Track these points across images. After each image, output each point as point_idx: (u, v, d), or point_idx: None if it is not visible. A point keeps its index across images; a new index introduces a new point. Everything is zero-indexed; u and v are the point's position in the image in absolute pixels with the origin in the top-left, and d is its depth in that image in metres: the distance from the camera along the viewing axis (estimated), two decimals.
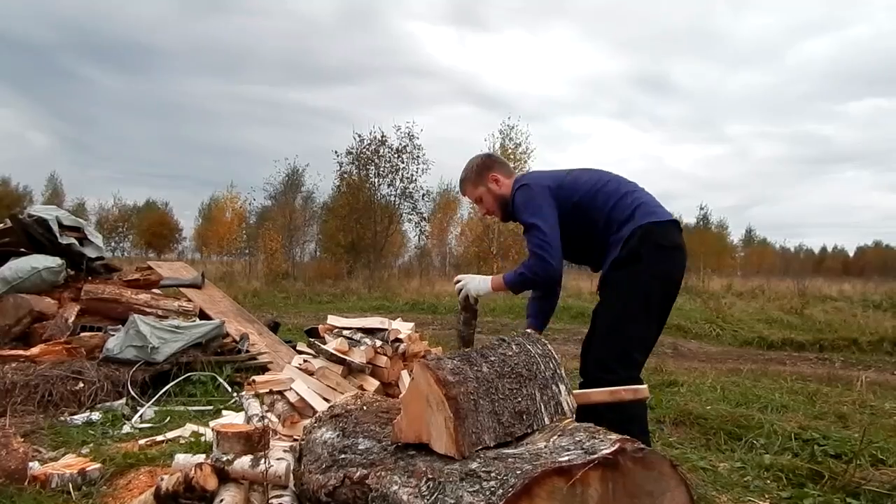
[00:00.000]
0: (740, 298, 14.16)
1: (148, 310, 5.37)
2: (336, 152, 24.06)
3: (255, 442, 2.38)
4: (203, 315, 5.74)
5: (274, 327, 6.52)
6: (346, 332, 4.14)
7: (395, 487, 1.72)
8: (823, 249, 64.78)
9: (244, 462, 2.29)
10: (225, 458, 2.31)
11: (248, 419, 3.34)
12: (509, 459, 1.61)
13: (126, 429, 3.78)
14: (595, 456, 1.50)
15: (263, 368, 5.04)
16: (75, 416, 3.96)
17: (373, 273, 22.05)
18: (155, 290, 6.01)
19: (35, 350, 4.66)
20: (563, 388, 1.99)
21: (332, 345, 3.95)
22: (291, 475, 2.29)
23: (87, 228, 6.20)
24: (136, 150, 78.63)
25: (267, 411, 3.52)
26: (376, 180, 23.76)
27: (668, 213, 2.62)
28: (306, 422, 2.69)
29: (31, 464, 2.75)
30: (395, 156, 23.33)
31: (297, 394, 3.65)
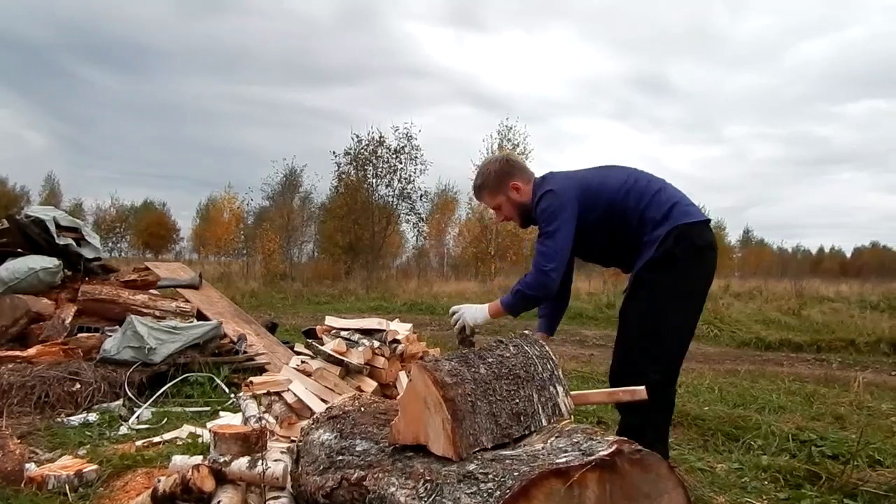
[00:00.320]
0: (738, 299, 14.17)
1: (145, 310, 5.36)
2: (334, 153, 24.15)
3: (252, 443, 2.38)
4: (200, 316, 5.74)
5: (271, 328, 6.52)
6: (343, 333, 4.13)
7: (393, 489, 1.72)
8: (821, 250, 64.95)
9: (241, 463, 2.28)
10: (222, 460, 2.30)
11: (246, 420, 3.34)
12: (507, 461, 1.61)
13: (123, 430, 3.78)
14: (592, 457, 1.50)
15: (261, 369, 5.03)
16: (72, 418, 3.95)
17: (371, 274, 22.06)
18: (152, 291, 6.00)
19: (32, 351, 4.65)
20: (560, 389, 1.99)
21: (330, 346, 3.94)
22: (289, 477, 2.29)
23: (84, 229, 6.19)
24: (133, 151, 78.67)
25: (264, 412, 3.51)
26: (374, 181, 23.81)
27: (700, 212, 2.59)
28: (304, 423, 2.68)
29: (27, 465, 2.75)
30: (394, 156, 23.38)
31: (295, 395, 3.64)
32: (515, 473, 1.50)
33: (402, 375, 4.11)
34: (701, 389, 5.18)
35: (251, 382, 3.83)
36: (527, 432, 1.83)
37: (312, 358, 3.96)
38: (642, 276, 2.56)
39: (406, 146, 23.38)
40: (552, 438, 1.75)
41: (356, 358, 3.91)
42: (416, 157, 23.51)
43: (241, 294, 14.90)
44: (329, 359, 3.84)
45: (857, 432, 3.61)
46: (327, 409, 2.45)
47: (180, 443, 3.39)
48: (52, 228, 5.72)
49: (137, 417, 4.00)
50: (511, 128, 25.57)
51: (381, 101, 66.72)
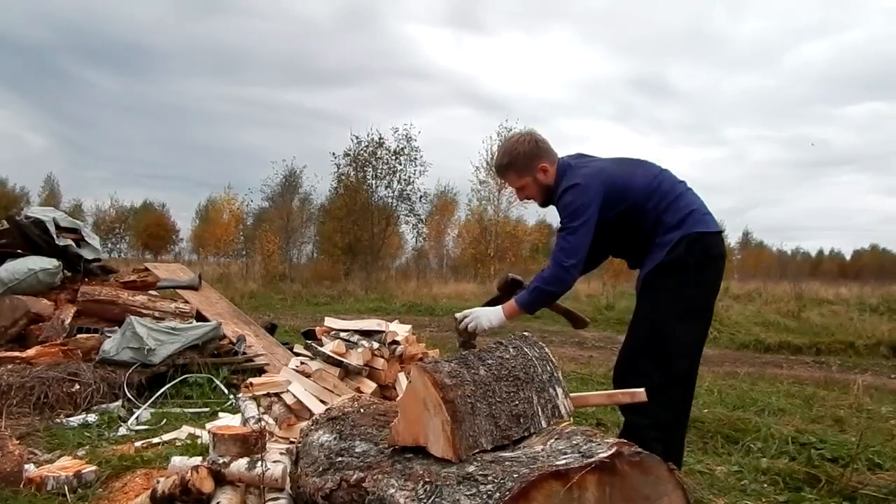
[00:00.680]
0: (737, 301, 14.16)
1: (144, 311, 5.35)
2: (334, 154, 24.12)
3: (251, 444, 2.38)
4: (200, 317, 5.73)
5: (271, 329, 6.51)
6: (343, 334, 4.13)
7: (392, 491, 1.72)
8: (820, 252, 64.87)
9: (241, 464, 2.28)
10: (221, 461, 2.30)
11: (245, 421, 3.33)
12: (506, 463, 1.61)
13: (122, 431, 3.77)
14: (592, 459, 1.50)
15: (260, 370, 5.03)
16: (71, 419, 3.94)
17: (370, 275, 22.05)
18: (152, 292, 5.99)
19: (31, 352, 4.64)
20: (560, 391, 1.99)
21: (329, 347, 3.94)
22: (288, 478, 2.29)
23: (83, 230, 6.19)
24: (133, 152, 78.46)
25: (263, 413, 3.51)
26: (374, 182, 23.82)
27: (716, 222, 2.61)
28: (303, 424, 2.68)
29: (26, 466, 2.75)
30: (393, 157, 23.38)
31: (294, 396, 3.64)
32: (515, 475, 1.50)
33: (402, 377, 4.11)
34: (700, 391, 5.18)
35: (250, 383, 3.83)
36: (526, 434, 1.83)
37: (311, 359, 3.96)
38: (651, 280, 2.57)
39: (405, 147, 23.40)
40: (552, 440, 1.74)
41: (355, 359, 3.90)
42: (415, 158, 23.54)
43: (240, 295, 14.88)
44: (328, 360, 3.83)
45: (856, 435, 3.61)
46: (326, 410, 2.44)
47: (179, 444, 3.39)
48: (52, 229, 5.72)
49: (136, 418, 3.99)
50: (511, 129, 25.57)
51: (381, 103, 66.70)
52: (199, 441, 3.32)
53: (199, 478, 2.21)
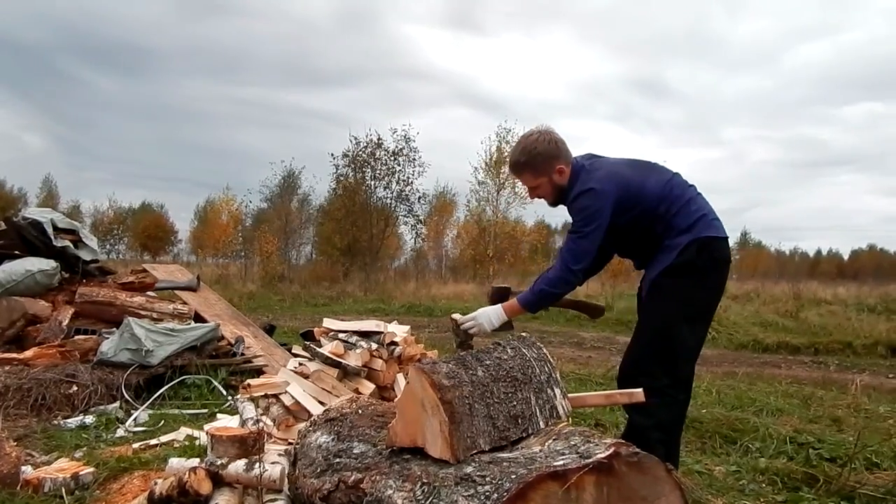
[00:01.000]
0: (735, 301, 14.17)
1: (143, 312, 5.35)
2: (332, 155, 24.14)
3: (249, 446, 2.38)
4: (198, 318, 5.73)
5: (269, 330, 6.51)
6: (341, 335, 4.13)
7: (390, 492, 1.72)
8: (818, 253, 64.96)
9: (238, 466, 2.28)
10: (219, 462, 2.30)
11: (243, 423, 3.33)
12: (504, 463, 1.61)
13: (120, 432, 3.76)
14: (590, 460, 1.50)
15: (258, 371, 5.03)
16: (69, 420, 3.94)
17: (369, 276, 22.05)
18: (150, 293, 5.98)
19: (29, 353, 4.64)
20: (558, 391, 1.99)
21: (328, 348, 3.94)
22: (286, 479, 2.28)
23: (81, 231, 6.18)
24: (131, 152, 78.40)
25: (262, 415, 3.50)
26: (372, 183, 23.78)
27: (724, 228, 2.63)
28: (301, 425, 2.68)
29: (23, 468, 2.74)
30: (392, 158, 23.35)
31: (293, 397, 3.64)
32: (513, 476, 1.50)
33: (400, 378, 4.10)
34: (699, 392, 5.18)
35: (249, 385, 3.82)
36: (524, 435, 1.83)
37: (310, 360, 3.96)
38: (660, 282, 2.59)
39: (404, 148, 23.38)
40: (550, 441, 1.75)
41: (354, 360, 3.90)
42: (414, 159, 23.51)
43: (238, 296, 14.87)
44: (327, 361, 3.83)
45: (854, 435, 3.61)
46: (325, 411, 2.44)
47: (177, 445, 3.38)
48: (50, 230, 5.71)
49: (134, 420, 3.99)
50: (510, 130, 25.59)
51: (380, 103, 66.73)
52: (197, 442, 3.31)
53: (197, 479, 2.21)
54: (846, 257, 62.62)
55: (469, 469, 1.63)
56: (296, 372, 3.85)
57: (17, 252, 5.54)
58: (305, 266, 28.19)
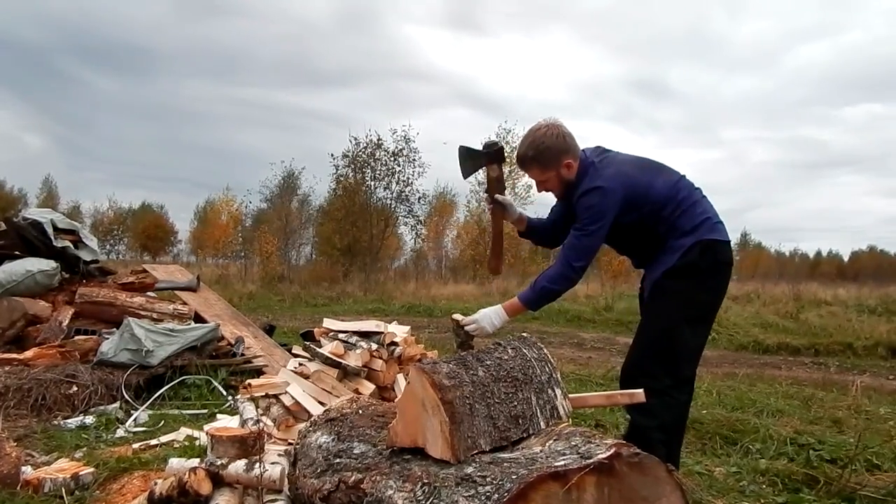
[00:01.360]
0: (735, 302, 14.17)
1: (143, 313, 5.35)
2: (332, 155, 24.15)
3: (249, 446, 2.37)
4: (198, 318, 5.73)
5: (269, 330, 6.50)
6: (341, 336, 4.13)
7: (391, 492, 1.72)
8: (818, 254, 64.90)
9: (239, 466, 2.28)
10: (219, 463, 2.30)
11: (243, 423, 3.33)
12: (505, 464, 1.61)
13: (120, 433, 3.76)
14: (591, 461, 1.50)
15: (258, 372, 5.02)
16: (69, 420, 3.93)
17: (368, 276, 22.04)
18: (150, 294, 5.99)
19: (29, 353, 4.63)
20: (558, 391, 1.99)
21: (328, 348, 3.94)
22: (286, 479, 2.28)
23: (81, 231, 6.18)
24: (131, 153, 78.31)
25: (262, 415, 3.50)
26: (372, 183, 23.79)
27: (727, 232, 2.64)
28: (301, 426, 2.68)
29: (23, 468, 2.74)
30: (392, 159, 23.35)
31: (293, 397, 3.64)
32: (513, 476, 1.50)
33: (400, 378, 4.10)
34: (699, 393, 5.18)
35: (249, 385, 3.82)
36: (525, 435, 1.83)
37: (310, 360, 3.96)
38: (663, 283, 2.59)
39: (404, 149, 23.38)
40: (550, 441, 1.74)
41: (354, 360, 3.90)
42: (414, 159, 23.51)
43: (238, 296, 14.88)
44: (327, 361, 3.83)
45: (855, 436, 3.61)
46: (325, 411, 2.44)
47: (177, 445, 3.38)
48: (50, 231, 5.71)
49: (134, 420, 3.98)
50: (510, 130, 25.55)
51: (380, 104, 66.70)
52: (197, 443, 3.31)
53: (197, 479, 2.21)
54: (846, 258, 62.62)
55: (470, 469, 1.62)
56: (296, 372, 3.85)
57: (17, 252, 5.54)
58: (305, 266, 28.18)
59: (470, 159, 2.79)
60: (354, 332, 4.14)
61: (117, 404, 4.26)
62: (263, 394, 3.73)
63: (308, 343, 4.21)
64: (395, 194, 23.81)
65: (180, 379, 4.65)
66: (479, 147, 2.80)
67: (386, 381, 4.05)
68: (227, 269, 24.67)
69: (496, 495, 1.48)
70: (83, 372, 4.38)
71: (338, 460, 2.03)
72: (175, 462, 2.61)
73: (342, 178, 24.22)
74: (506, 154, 2.79)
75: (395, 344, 4.19)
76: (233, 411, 4.09)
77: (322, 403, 3.53)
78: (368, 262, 23.79)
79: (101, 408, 4.19)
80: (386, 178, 23.56)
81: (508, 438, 1.80)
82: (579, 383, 5.81)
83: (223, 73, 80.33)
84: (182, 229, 49.27)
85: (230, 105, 77.27)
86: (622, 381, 2.65)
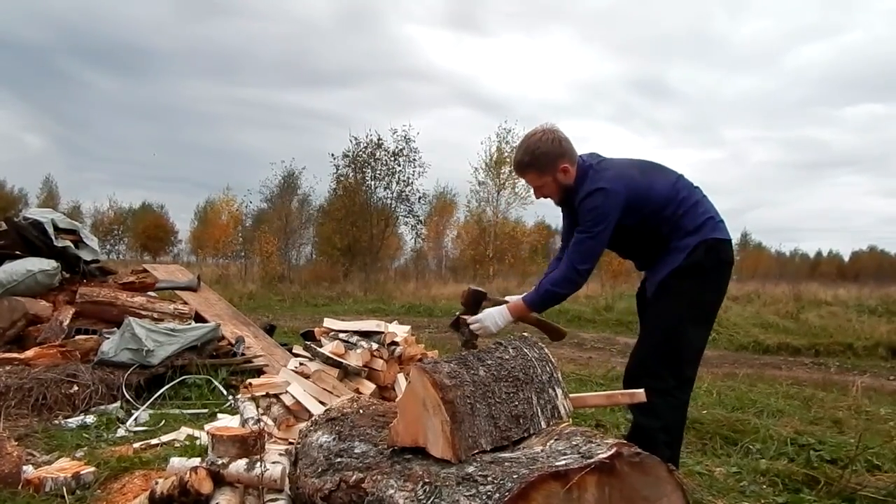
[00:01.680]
0: (736, 303, 14.16)
1: (143, 312, 5.35)
2: (332, 155, 24.13)
3: (250, 445, 2.37)
4: (198, 318, 5.73)
5: (270, 330, 6.51)
6: (342, 335, 4.13)
7: (392, 491, 1.72)
8: (819, 254, 64.85)
9: (239, 466, 2.28)
10: (220, 462, 2.30)
11: (244, 422, 3.33)
12: (506, 463, 1.61)
13: (121, 432, 3.77)
14: (592, 460, 1.50)
15: (259, 371, 5.03)
16: (69, 420, 3.94)
17: (369, 276, 22.04)
18: (150, 293, 5.99)
19: (29, 353, 4.64)
20: (559, 391, 1.99)
21: (328, 348, 3.94)
22: (287, 479, 2.28)
23: (82, 231, 6.18)
24: (132, 153, 78.23)
25: (262, 414, 3.50)
26: (372, 183, 23.80)
27: (728, 231, 2.65)
28: (302, 425, 2.68)
29: (24, 468, 2.74)
30: (392, 159, 23.37)
31: (293, 397, 3.64)
32: (514, 476, 1.50)
33: (401, 378, 4.10)
34: (699, 393, 5.18)
35: (249, 384, 3.82)
36: (526, 435, 1.83)
37: (311, 360, 3.96)
38: (668, 283, 2.58)
39: (404, 148, 23.40)
40: (551, 441, 1.74)
41: (354, 360, 3.90)
42: (414, 159, 23.53)
43: (238, 296, 14.88)
44: (327, 361, 3.83)
45: (855, 436, 3.61)
46: (325, 411, 2.44)
47: (178, 445, 3.39)
48: (50, 230, 5.71)
49: (135, 419, 3.99)
50: (510, 130, 25.62)
51: (381, 104, 66.57)
52: (197, 442, 3.31)
53: (198, 479, 2.21)
54: (847, 259, 62.56)
55: (471, 469, 1.63)
56: (296, 372, 3.85)
57: (17, 252, 5.54)
58: (305, 266, 28.19)
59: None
60: (355, 332, 4.14)
61: (118, 404, 4.26)
62: (264, 393, 3.73)
63: (308, 343, 4.20)
64: (395, 194, 23.85)
65: (181, 378, 4.65)
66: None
67: (386, 380, 4.05)
68: (228, 269, 24.66)
69: (497, 495, 1.48)
70: (84, 371, 4.38)
71: (339, 460, 2.03)
72: (176, 461, 2.61)
73: (342, 178, 24.25)
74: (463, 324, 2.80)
75: (395, 344, 4.18)
76: (233, 411, 4.10)
77: (323, 403, 3.53)
78: (368, 261, 23.79)
79: (102, 407, 4.19)
80: (386, 178, 23.61)
81: (509, 438, 1.80)
82: (580, 383, 5.81)
83: (223, 73, 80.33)
84: (182, 229, 49.33)
85: (230, 104, 77.25)
86: (626, 381, 2.65)
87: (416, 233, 26.35)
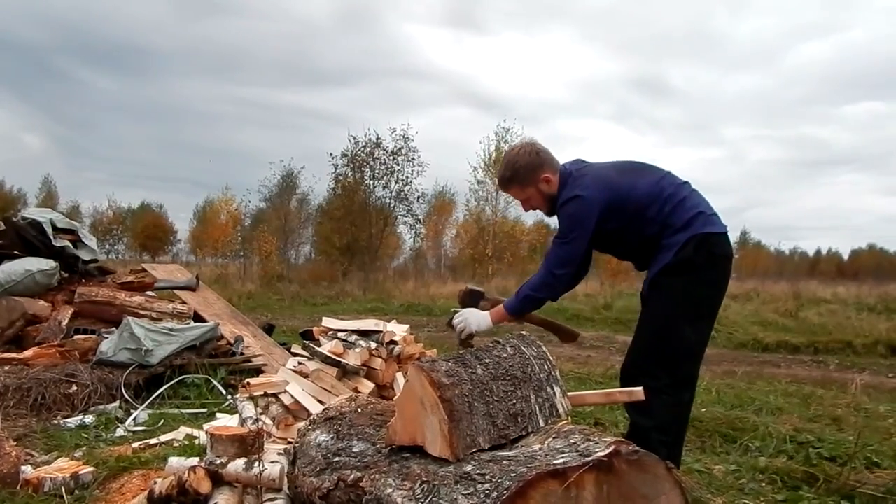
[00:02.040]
0: (735, 301, 14.17)
1: (142, 312, 5.35)
2: (331, 154, 24.07)
3: (249, 445, 2.38)
4: (197, 317, 5.72)
5: (268, 329, 6.51)
6: (340, 335, 4.13)
7: (390, 490, 1.72)
8: (818, 252, 64.88)
9: (238, 465, 2.28)
10: (219, 461, 2.30)
11: (242, 422, 3.33)
12: (504, 462, 1.61)
13: (119, 432, 3.76)
14: (590, 458, 1.50)
15: (258, 371, 5.02)
16: (68, 420, 3.93)
17: (367, 275, 22.03)
18: (149, 293, 5.99)
19: (28, 353, 4.63)
20: (557, 390, 1.99)
21: (327, 347, 3.94)
22: (285, 478, 2.28)
23: (81, 231, 6.18)
24: (130, 153, 78.08)
25: (261, 414, 3.50)
26: (371, 182, 23.76)
27: (722, 223, 2.62)
28: (300, 424, 2.68)
29: (23, 468, 2.73)
30: (391, 158, 23.33)
31: (292, 396, 3.64)
32: (512, 474, 1.50)
33: (399, 377, 4.10)
34: (698, 391, 5.14)
35: (248, 384, 3.82)
36: (524, 433, 1.83)
37: (309, 359, 3.96)
38: (659, 280, 2.59)
39: (403, 148, 23.36)
40: (549, 439, 1.74)
41: (353, 359, 3.90)
42: (413, 158, 23.49)
43: (237, 296, 14.87)
44: (326, 360, 3.83)
45: (854, 434, 3.61)
46: (324, 410, 2.44)
47: (177, 444, 3.38)
48: (49, 230, 5.70)
49: (134, 419, 3.99)
50: (509, 129, 25.58)
51: (380, 103, 66.45)
52: (196, 442, 3.31)
53: (197, 478, 2.21)
54: (846, 257, 62.60)
55: (468, 467, 1.62)
56: (295, 371, 3.85)
57: (16, 252, 5.54)
58: (304, 266, 28.19)
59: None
60: (353, 331, 4.14)
61: (117, 403, 4.26)
62: (262, 393, 3.73)
63: (307, 342, 4.21)
64: (394, 193, 23.78)
65: (180, 378, 4.65)
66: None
67: (385, 379, 4.05)
68: (227, 269, 24.67)
69: (495, 493, 1.48)
70: (82, 371, 4.38)
71: (337, 459, 2.03)
72: (174, 461, 2.61)
73: (341, 178, 24.19)
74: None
75: (394, 343, 4.19)
76: (232, 410, 4.09)
77: (321, 402, 3.53)
78: (367, 261, 23.77)
79: (101, 407, 4.19)
80: (385, 178, 23.53)
81: (507, 436, 1.80)
82: (578, 382, 5.81)
83: (223, 72, 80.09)
84: (181, 229, 49.24)
85: (230, 104, 77.12)
86: (622, 380, 2.65)
87: (415, 232, 26.29)
